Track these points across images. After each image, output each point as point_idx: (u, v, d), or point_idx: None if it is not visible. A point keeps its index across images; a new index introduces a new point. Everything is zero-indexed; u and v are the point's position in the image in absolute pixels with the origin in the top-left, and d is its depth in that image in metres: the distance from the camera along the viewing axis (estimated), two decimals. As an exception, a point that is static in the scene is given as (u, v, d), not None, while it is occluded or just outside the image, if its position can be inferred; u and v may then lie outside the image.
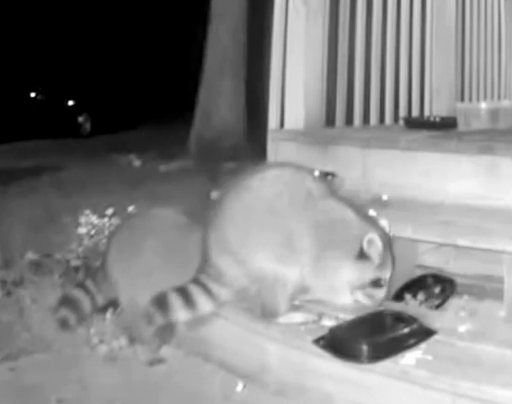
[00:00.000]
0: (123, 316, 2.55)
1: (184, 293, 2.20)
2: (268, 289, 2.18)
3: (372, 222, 2.25)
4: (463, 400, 1.76)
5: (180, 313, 2.19)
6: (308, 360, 2.07)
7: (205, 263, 2.24)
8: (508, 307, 2.20)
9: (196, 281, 2.22)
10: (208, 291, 2.20)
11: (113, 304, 2.61)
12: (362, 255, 2.14)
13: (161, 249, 2.46)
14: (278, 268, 2.15)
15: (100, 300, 2.58)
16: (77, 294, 2.58)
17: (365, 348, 1.93)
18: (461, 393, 1.76)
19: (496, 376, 1.77)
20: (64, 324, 2.51)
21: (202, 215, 2.43)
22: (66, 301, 2.56)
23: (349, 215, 2.22)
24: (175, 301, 2.18)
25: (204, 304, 2.20)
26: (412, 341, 1.98)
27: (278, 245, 2.15)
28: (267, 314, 2.20)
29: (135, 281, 2.43)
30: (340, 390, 1.99)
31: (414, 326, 2.04)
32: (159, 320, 2.19)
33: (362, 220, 2.22)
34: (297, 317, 2.20)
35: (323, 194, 2.24)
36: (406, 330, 2.01)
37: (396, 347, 1.95)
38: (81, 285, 2.63)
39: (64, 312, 2.52)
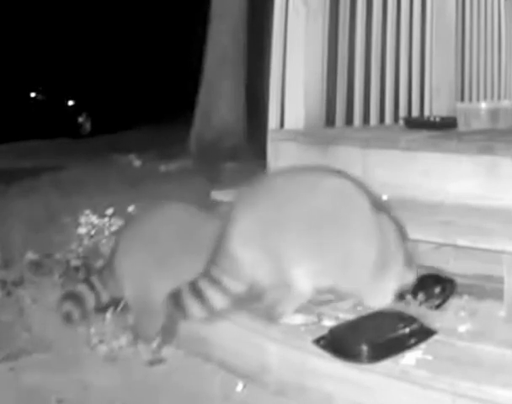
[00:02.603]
0: (128, 313, 2.55)
1: (196, 291, 2.15)
2: (285, 296, 2.18)
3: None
4: (463, 400, 1.76)
5: (196, 311, 2.15)
6: (308, 360, 2.07)
7: (218, 252, 2.17)
8: (508, 307, 2.20)
9: (207, 275, 2.16)
10: (220, 286, 2.15)
11: (114, 303, 2.60)
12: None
13: (173, 239, 2.43)
14: (311, 283, 2.16)
15: (105, 297, 2.56)
16: (82, 289, 2.56)
17: (365, 348, 1.93)
18: (461, 393, 1.76)
19: (496, 376, 1.77)
20: (68, 318, 2.50)
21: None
22: (71, 296, 2.55)
23: (393, 227, 2.25)
24: (189, 300, 2.14)
25: (217, 299, 2.15)
26: (412, 341, 1.98)
27: (329, 261, 2.14)
28: (271, 317, 2.19)
29: (145, 274, 2.41)
30: (340, 390, 1.99)
31: (414, 326, 2.04)
32: (178, 318, 2.19)
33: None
34: (298, 319, 2.19)
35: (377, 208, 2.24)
36: (406, 330, 2.01)
37: (396, 347, 1.95)
38: (86, 281, 2.62)
39: (68, 307, 2.51)
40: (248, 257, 2.14)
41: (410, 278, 2.26)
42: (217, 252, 2.18)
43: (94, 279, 2.58)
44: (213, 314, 2.18)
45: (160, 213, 2.61)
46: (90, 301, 2.53)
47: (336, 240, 2.15)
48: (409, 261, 2.26)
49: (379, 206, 2.25)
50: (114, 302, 2.60)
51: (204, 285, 2.15)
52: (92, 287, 2.55)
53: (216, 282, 2.15)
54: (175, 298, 2.16)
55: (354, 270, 2.17)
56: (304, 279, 2.15)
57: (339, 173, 2.29)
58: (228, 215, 2.22)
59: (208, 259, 2.18)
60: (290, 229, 2.14)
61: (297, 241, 2.14)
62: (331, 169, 2.36)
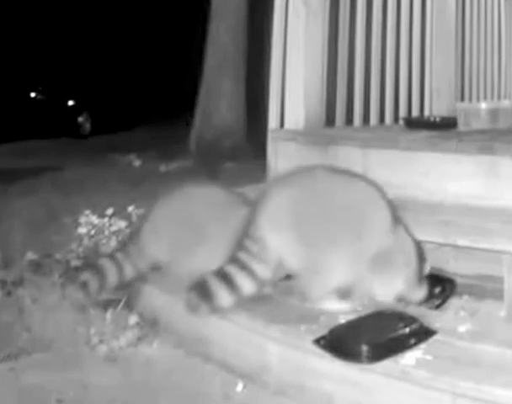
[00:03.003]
0: (129, 312, 2.54)
1: (224, 277, 2.13)
2: (316, 281, 2.20)
3: None
4: (463, 400, 1.76)
5: (224, 299, 2.13)
6: (308, 360, 2.07)
7: (246, 236, 2.16)
8: (508, 307, 2.20)
9: (235, 260, 2.14)
10: (248, 270, 2.14)
11: (113, 303, 2.60)
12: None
13: (204, 214, 2.46)
14: (336, 275, 2.18)
15: (129, 271, 2.55)
16: (104, 262, 2.54)
17: (365, 348, 1.93)
18: (461, 393, 1.76)
19: (496, 376, 1.77)
20: (84, 288, 2.48)
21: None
22: (91, 266, 2.52)
23: (410, 240, 2.28)
24: (217, 287, 2.12)
25: (246, 285, 2.14)
26: (412, 341, 1.98)
27: (350, 259, 2.17)
28: (306, 298, 2.22)
29: (174, 242, 2.43)
30: (340, 390, 1.99)
31: (414, 326, 2.04)
32: (204, 309, 2.15)
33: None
34: (334, 304, 2.22)
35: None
36: (406, 330, 2.02)
37: (396, 347, 1.95)
38: (109, 256, 2.59)
39: (86, 276, 2.48)
40: (277, 240, 2.14)
41: (420, 295, 2.28)
42: (245, 236, 2.16)
43: (118, 255, 2.57)
44: (241, 301, 2.16)
45: (191, 190, 2.65)
46: (111, 276, 2.51)
47: (359, 240, 2.18)
48: (422, 280, 2.28)
49: (399, 219, 2.29)
50: (110, 303, 2.59)
51: (232, 271, 2.13)
52: (115, 261, 2.53)
53: (244, 267, 2.13)
54: (200, 287, 2.13)
55: (366, 268, 2.20)
56: (331, 270, 2.18)
57: (371, 182, 2.33)
58: (257, 200, 2.23)
59: (235, 244, 2.17)
60: (322, 220, 2.16)
61: (327, 233, 2.16)
62: (364, 177, 2.40)
